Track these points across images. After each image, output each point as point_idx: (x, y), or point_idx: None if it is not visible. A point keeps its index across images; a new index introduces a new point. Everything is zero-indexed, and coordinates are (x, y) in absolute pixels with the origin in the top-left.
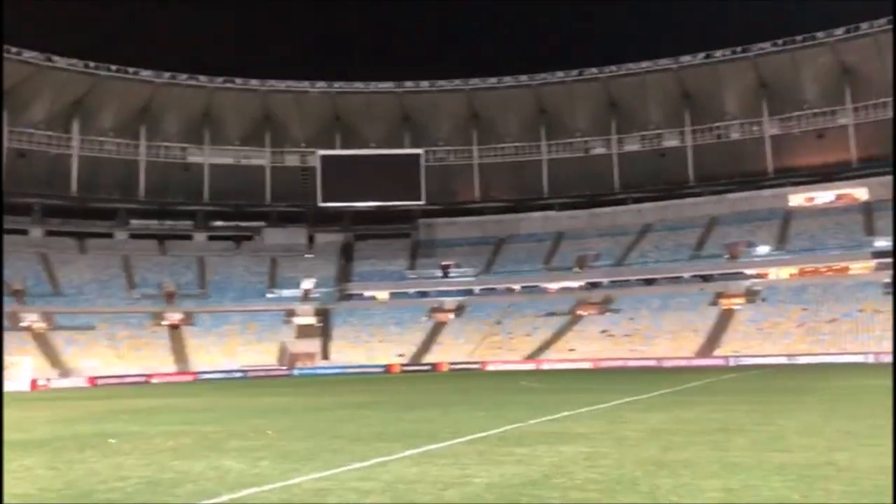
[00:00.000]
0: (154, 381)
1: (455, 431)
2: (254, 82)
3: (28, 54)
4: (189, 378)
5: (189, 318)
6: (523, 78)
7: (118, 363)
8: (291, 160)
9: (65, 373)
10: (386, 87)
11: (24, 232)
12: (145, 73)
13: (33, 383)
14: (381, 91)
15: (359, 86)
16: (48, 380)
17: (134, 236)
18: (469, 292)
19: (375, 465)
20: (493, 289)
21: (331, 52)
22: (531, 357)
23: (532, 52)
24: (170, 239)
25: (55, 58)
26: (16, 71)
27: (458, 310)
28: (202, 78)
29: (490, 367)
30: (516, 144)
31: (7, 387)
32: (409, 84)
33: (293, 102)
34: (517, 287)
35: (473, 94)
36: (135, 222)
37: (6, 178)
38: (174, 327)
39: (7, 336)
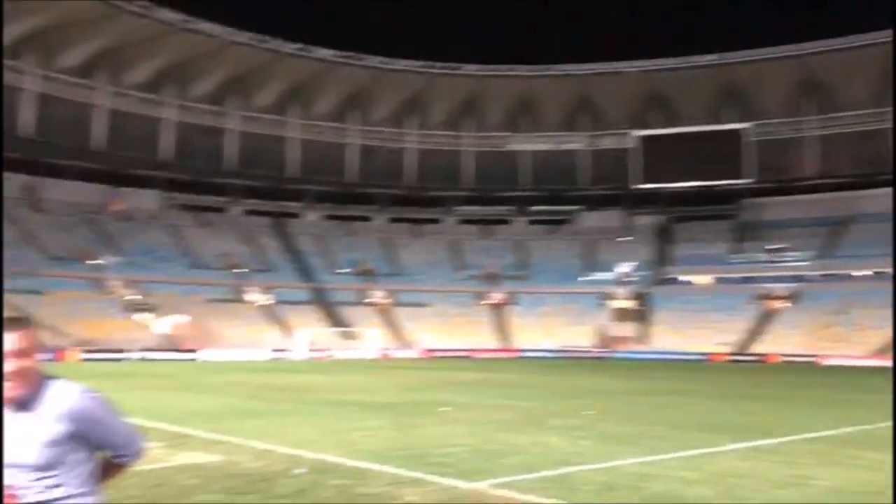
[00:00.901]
0: (479, 355)
1: (788, 428)
2: (570, 67)
3: (370, 59)
4: (510, 355)
5: (510, 298)
6: (872, 36)
7: (447, 338)
8: (607, 143)
9: (405, 344)
10: (708, 61)
11: (369, 219)
12: (469, 68)
13: (381, 352)
14: (701, 65)
15: (676, 61)
16: (391, 350)
17: (460, 222)
18: (802, 278)
19: (700, 456)
20: (832, 275)
21: (645, 28)
22: (881, 352)
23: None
24: (492, 224)
25: (394, 60)
26: (360, 77)
27: (792, 297)
28: (522, 68)
29: (827, 362)
30: (859, 113)
31: (359, 354)
32: (733, 55)
33: (608, 84)
34: (860, 273)
35: (808, 60)
36: (460, 209)
37: (359, 173)
38: (496, 306)
39: (357, 310)
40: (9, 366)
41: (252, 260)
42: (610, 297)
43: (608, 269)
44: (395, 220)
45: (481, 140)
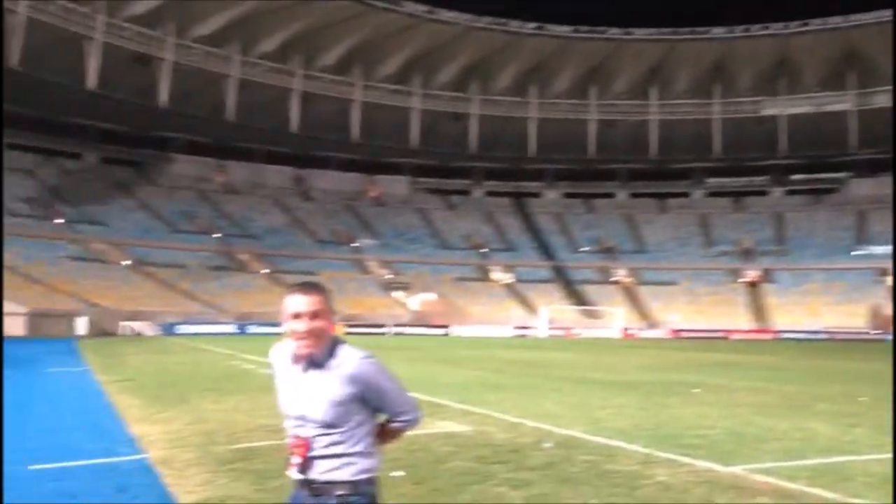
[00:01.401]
0: (732, 336)
1: None
2: (835, 19)
3: (609, 32)
4: (768, 336)
5: (767, 276)
6: None
7: (698, 318)
8: (879, 101)
9: (651, 324)
10: None
11: (611, 195)
12: (717, 31)
13: (624, 332)
14: None
15: None
16: (636, 329)
17: (709, 194)
18: None
19: None
20: None
21: None
22: None
23: None
24: (745, 195)
25: (633, 30)
26: (598, 50)
27: None
28: (777, 25)
29: None
30: None
31: (603, 333)
32: None
33: (879, 35)
34: None
35: None
36: (710, 181)
37: (599, 149)
38: (752, 284)
39: (600, 289)
40: (304, 325)
41: (494, 240)
42: (887, 273)
43: (883, 241)
44: (637, 196)
45: (732, 106)
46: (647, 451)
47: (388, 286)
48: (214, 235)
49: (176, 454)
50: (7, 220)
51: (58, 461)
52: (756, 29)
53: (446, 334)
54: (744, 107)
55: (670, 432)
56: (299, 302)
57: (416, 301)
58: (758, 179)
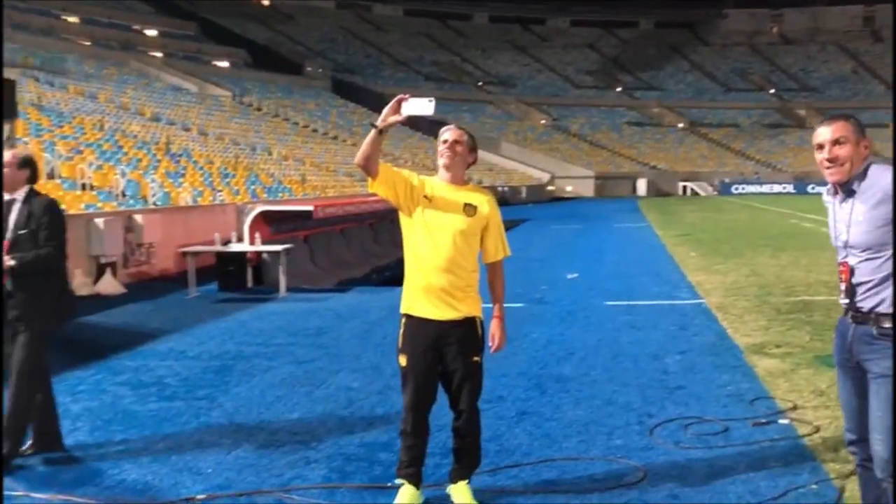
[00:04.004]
0: None
1: None
2: None
3: None
4: None
5: None
6: None
7: None
8: None
9: None
10: None
11: None
12: None
13: None
14: None
15: None
16: None
17: None
18: None
19: None
20: None
21: None
22: None
23: None
24: None
25: None
26: None
27: None
28: None
29: None
30: None
31: None
32: None
33: None
34: None
35: None
36: None
37: None
38: None
39: None
40: (827, 153)
41: None
42: None
43: None
44: None
45: None
46: None
47: None
48: (769, 91)
49: (732, 302)
50: (573, 92)
51: (627, 300)
52: None
53: None
54: None
55: None
56: (822, 132)
57: None
58: None
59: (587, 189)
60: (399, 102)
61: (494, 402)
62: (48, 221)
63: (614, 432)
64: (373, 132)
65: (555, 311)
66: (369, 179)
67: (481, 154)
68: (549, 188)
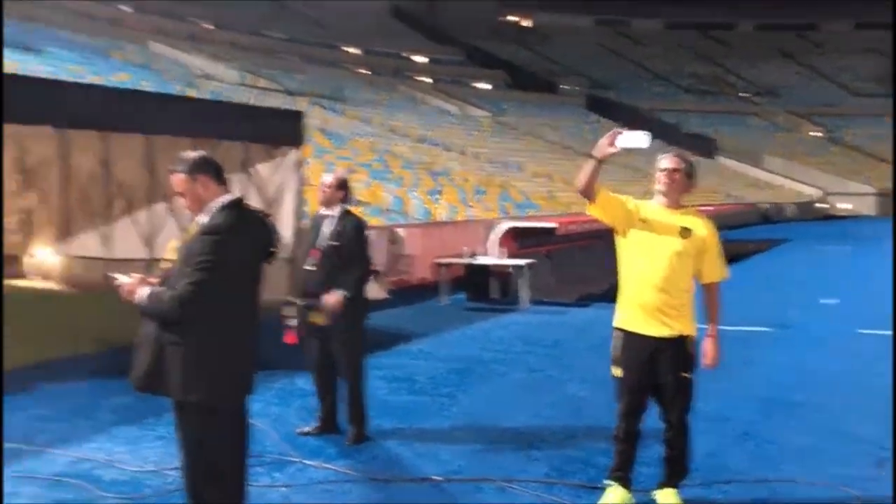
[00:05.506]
0: None
1: None
2: None
3: None
4: None
5: None
6: None
7: None
8: None
9: None
10: None
11: None
12: None
13: None
14: None
15: None
16: None
17: None
18: None
19: None
20: None
21: None
22: None
23: None
24: None
25: None
26: None
27: None
28: None
29: None
30: None
31: None
32: None
33: None
34: None
35: None
36: None
37: None
38: None
39: None
40: None
41: None
42: None
43: None
44: None
45: None
46: None
47: None
48: None
49: None
50: (851, 101)
51: (886, 330)
52: None
53: None
54: None
55: None
56: None
57: None
58: None
59: (867, 207)
60: (614, 136)
61: (720, 421)
62: (357, 240)
63: (838, 461)
64: (592, 161)
65: (800, 337)
66: (588, 203)
67: (742, 169)
68: (821, 205)
